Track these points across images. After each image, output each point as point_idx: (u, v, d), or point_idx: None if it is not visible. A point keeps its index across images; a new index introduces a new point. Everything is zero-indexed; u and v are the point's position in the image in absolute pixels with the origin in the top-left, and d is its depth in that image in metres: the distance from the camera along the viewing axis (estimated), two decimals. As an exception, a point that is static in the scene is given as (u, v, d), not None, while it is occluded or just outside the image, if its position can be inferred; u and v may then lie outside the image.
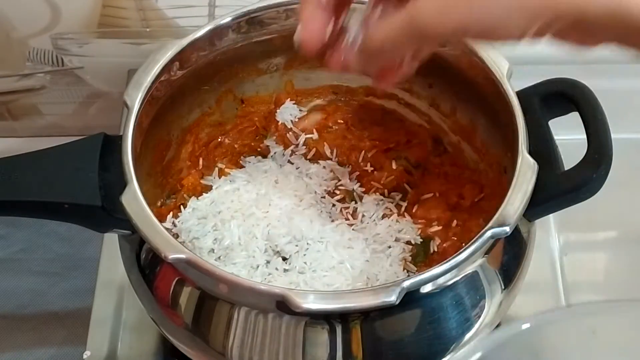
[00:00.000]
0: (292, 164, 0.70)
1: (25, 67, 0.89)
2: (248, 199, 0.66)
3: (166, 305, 0.58)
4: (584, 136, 0.58)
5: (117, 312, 0.72)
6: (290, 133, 0.72)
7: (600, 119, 0.58)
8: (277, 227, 0.64)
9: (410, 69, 0.52)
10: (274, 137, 0.72)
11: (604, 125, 0.58)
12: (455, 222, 0.66)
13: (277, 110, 0.73)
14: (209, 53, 0.66)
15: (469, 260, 0.53)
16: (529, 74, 0.63)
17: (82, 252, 0.84)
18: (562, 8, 0.41)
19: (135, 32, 0.86)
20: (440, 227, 0.66)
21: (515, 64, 0.62)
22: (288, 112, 0.73)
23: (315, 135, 0.72)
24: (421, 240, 0.65)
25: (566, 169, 0.58)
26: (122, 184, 0.56)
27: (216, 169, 0.70)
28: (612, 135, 0.57)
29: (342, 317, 0.54)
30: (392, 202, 0.68)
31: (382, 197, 0.69)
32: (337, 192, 0.69)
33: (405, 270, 0.63)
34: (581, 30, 0.42)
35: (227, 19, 0.66)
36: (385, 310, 0.52)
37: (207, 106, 0.71)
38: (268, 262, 0.63)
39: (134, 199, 0.55)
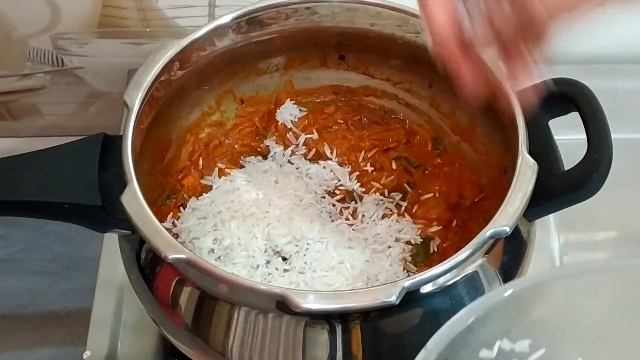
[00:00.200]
0: (292, 164, 0.70)
1: (25, 67, 0.89)
2: (248, 199, 0.66)
3: (166, 305, 0.58)
4: (584, 136, 0.58)
5: (117, 312, 0.71)
6: (290, 133, 0.72)
7: (600, 119, 0.58)
8: (277, 227, 0.64)
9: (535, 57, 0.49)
10: (274, 137, 0.72)
11: (604, 125, 0.58)
12: (455, 222, 0.66)
13: (277, 110, 0.73)
14: (209, 53, 0.66)
15: (469, 260, 0.53)
16: (529, 74, 0.63)
17: (82, 252, 0.84)
18: None
19: (135, 32, 0.86)
20: (440, 227, 0.66)
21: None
22: (288, 112, 0.73)
23: (315, 135, 0.72)
24: (421, 240, 0.65)
25: (566, 169, 0.58)
26: (122, 184, 0.56)
27: (216, 169, 0.70)
28: (612, 135, 0.57)
29: (342, 317, 0.54)
30: (392, 202, 0.68)
31: (382, 197, 0.69)
32: (337, 192, 0.69)
33: (405, 270, 0.63)
34: None
35: (227, 19, 0.66)
36: (385, 310, 0.52)
37: (207, 106, 0.72)
38: (268, 262, 0.63)
39: (134, 199, 0.55)
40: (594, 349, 0.52)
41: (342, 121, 0.74)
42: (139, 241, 0.60)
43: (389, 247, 0.64)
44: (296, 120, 0.73)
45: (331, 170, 0.70)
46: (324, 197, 0.68)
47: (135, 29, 0.86)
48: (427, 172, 0.71)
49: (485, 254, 0.57)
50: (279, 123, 0.73)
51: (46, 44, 0.86)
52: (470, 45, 0.48)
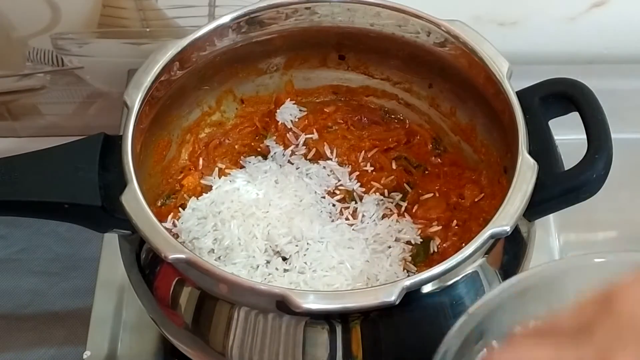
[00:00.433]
0: (292, 164, 0.70)
1: (25, 67, 0.89)
2: (248, 199, 0.66)
3: (166, 305, 0.58)
4: (584, 136, 0.58)
5: (117, 312, 0.71)
6: (290, 133, 0.72)
7: (600, 119, 0.58)
8: (277, 227, 0.64)
9: None
10: (274, 137, 0.72)
11: (604, 125, 0.58)
12: (455, 222, 0.66)
13: (277, 110, 0.73)
14: (209, 53, 0.66)
15: (469, 260, 0.53)
16: (529, 74, 0.63)
17: (82, 252, 0.84)
18: None
19: (135, 32, 0.86)
20: (440, 227, 0.66)
21: (515, 64, 0.62)
22: (288, 112, 0.73)
23: (315, 135, 0.72)
24: (421, 240, 0.65)
25: (566, 169, 0.58)
26: (122, 184, 0.56)
27: (216, 169, 0.70)
28: (612, 135, 0.57)
29: (342, 317, 0.54)
30: (392, 202, 0.68)
31: (382, 197, 0.69)
32: (337, 192, 0.69)
33: (405, 270, 0.63)
34: None
35: (227, 19, 0.66)
36: (385, 310, 0.52)
37: (207, 106, 0.72)
38: (268, 262, 0.63)
39: (134, 199, 0.55)
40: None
41: (342, 121, 0.74)
42: (139, 241, 0.60)
43: (389, 247, 0.64)
44: (296, 120, 0.73)
45: (331, 170, 0.70)
46: (324, 197, 0.68)
47: (135, 29, 0.86)
48: (427, 172, 0.71)
49: (485, 254, 0.57)
50: (279, 123, 0.73)
51: (46, 44, 0.86)
52: None
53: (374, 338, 0.55)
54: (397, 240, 0.65)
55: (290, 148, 0.71)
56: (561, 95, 0.60)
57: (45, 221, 0.62)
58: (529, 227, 0.61)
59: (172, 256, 0.52)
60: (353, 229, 0.65)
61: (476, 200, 0.67)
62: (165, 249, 0.53)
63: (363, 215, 0.67)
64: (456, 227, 0.66)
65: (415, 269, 0.63)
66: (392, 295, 0.50)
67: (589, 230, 0.78)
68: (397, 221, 0.66)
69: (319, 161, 0.71)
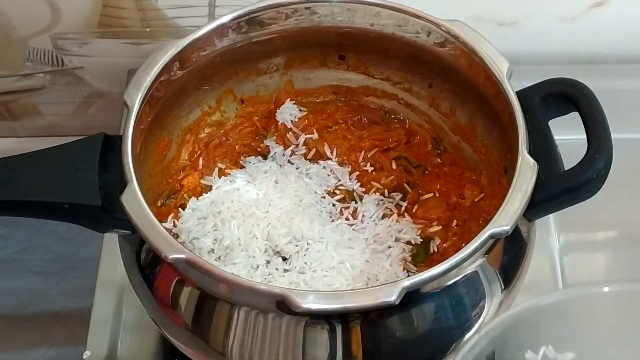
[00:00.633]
0: (292, 164, 0.70)
1: (25, 67, 0.89)
2: (248, 199, 0.66)
3: (166, 305, 0.58)
4: (584, 136, 0.58)
5: (117, 312, 0.71)
6: (290, 133, 0.72)
7: (600, 119, 0.58)
8: (277, 227, 0.64)
9: None
10: (274, 137, 0.72)
11: (604, 125, 0.58)
12: (455, 222, 0.66)
13: (277, 110, 0.73)
14: (209, 53, 0.66)
15: (469, 260, 0.53)
16: (529, 74, 0.64)
17: (82, 252, 0.84)
18: None
19: (135, 32, 0.86)
20: (440, 227, 0.66)
21: (515, 64, 0.62)
22: (288, 112, 0.73)
23: (315, 135, 0.72)
24: (421, 240, 0.65)
25: (566, 169, 0.58)
26: (122, 184, 0.56)
27: (216, 169, 0.70)
28: (612, 135, 0.57)
29: (342, 317, 0.54)
30: (392, 202, 0.68)
31: (382, 197, 0.69)
32: (337, 192, 0.69)
33: (405, 270, 0.63)
34: None
35: (227, 19, 0.66)
36: (385, 310, 0.52)
37: (207, 106, 0.72)
38: (268, 262, 0.63)
39: (134, 199, 0.55)
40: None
41: (342, 121, 0.74)
42: (139, 241, 0.60)
43: (389, 247, 0.64)
44: (296, 120, 0.73)
45: (331, 170, 0.70)
46: (324, 197, 0.68)
47: (135, 29, 0.86)
48: (427, 172, 0.71)
49: (485, 254, 0.57)
50: (279, 123, 0.73)
51: (46, 44, 0.86)
52: None
53: (374, 338, 0.55)
54: (397, 240, 0.65)
55: (290, 148, 0.71)
56: (561, 95, 0.60)
57: (45, 221, 0.62)
58: (529, 227, 0.61)
59: (172, 256, 0.52)
60: (353, 229, 0.65)
61: (476, 200, 0.67)
62: (165, 249, 0.53)
63: (363, 215, 0.67)
64: (456, 227, 0.66)
65: (415, 269, 0.63)
66: (392, 295, 0.50)
67: (589, 230, 0.78)
68: (397, 221, 0.66)
69: (319, 161, 0.71)
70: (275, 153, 0.71)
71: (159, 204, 0.68)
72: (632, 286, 0.51)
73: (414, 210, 0.68)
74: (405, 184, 0.70)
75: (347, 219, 0.67)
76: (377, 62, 0.72)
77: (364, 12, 0.67)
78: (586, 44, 0.89)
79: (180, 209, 0.67)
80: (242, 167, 0.71)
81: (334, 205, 0.68)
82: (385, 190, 0.69)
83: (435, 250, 0.65)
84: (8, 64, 0.89)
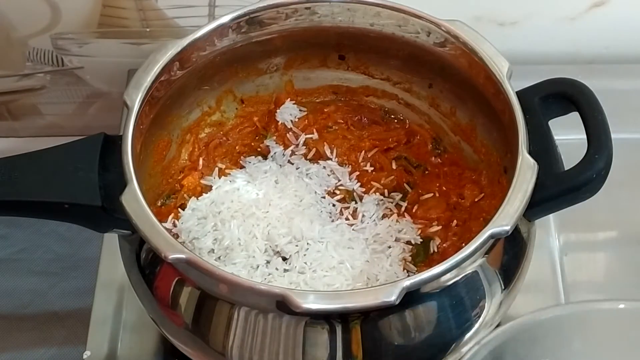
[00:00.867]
0: (292, 164, 0.70)
1: (25, 67, 0.89)
2: (248, 199, 0.66)
3: (166, 305, 0.58)
4: (584, 136, 0.58)
5: (117, 312, 0.71)
6: (290, 133, 0.72)
7: (600, 119, 0.58)
8: (277, 227, 0.64)
9: None
10: (274, 137, 0.72)
11: (604, 125, 0.58)
12: (455, 222, 0.66)
13: (277, 110, 0.73)
14: (209, 53, 0.66)
15: (469, 260, 0.53)
16: (529, 74, 0.64)
17: (82, 252, 0.84)
18: None
19: (135, 32, 0.86)
20: (440, 227, 0.66)
21: (515, 64, 0.62)
22: (288, 112, 0.73)
23: (315, 135, 0.72)
24: (421, 240, 0.65)
25: (566, 169, 0.58)
26: (122, 184, 0.56)
27: (216, 169, 0.70)
28: (612, 135, 0.57)
29: (342, 317, 0.54)
30: (392, 202, 0.68)
31: (382, 197, 0.69)
32: (337, 192, 0.69)
33: (405, 270, 0.63)
34: None
35: (227, 19, 0.66)
36: (385, 310, 0.52)
37: (207, 106, 0.72)
38: (268, 262, 0.63)
39: (134, 199, 0.55)
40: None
41: (342, 121, 0.74)
42: (139, 241, 0.60)
43: (389, 247, 0.64)
44: (296, 120, 0.73)
45: (331, 170, 0.70)
46: (324, 197, 0.68)
47: (135, 29, 0.86)
48: (427, 172, 0.71)
49: (485, 254, 0.57)
50: (279, 123, 0.73)
51: (46, 44, 0.86)
52: None
53: (374, 338, 0.55)
54: (397, 240, 0.65)
55: (290, 148, 0.71)
56: (561, 95, 0.60)
57: (45, 221, 0.62)
58: (529, 227, 0.61)
59: (172, 256, 0.52)
60: (353, 229, 0.65)
61: (476, 200, 0.67)
62: (165, 249, 0.53)
63: (363, 215, 0.67)
64: (456, 227, 0.66)
65: (415, 269, 0.63)
66: (392, 295, 0.50)
67: (589, 230, 0.78)
68: (397, 221, 0.66)
69: (319, 161, 0.71)
70: (275, 153, 0.71)
71: (159, 204, 0.68)
72: (632, 304, 0.51)
73: (414, 210, 0.68)
74: (405, 184, 0.70)
75: (347, 219, 0.67)
76: (377, 62, 0.72)
77: (364, 12, 0.67)
78: (586, 44, 0.89)
79: (180, 209, 0.67)
80: (242, 167, 0.71)
81: (334, 205, 0.68)
82: (385, 190, 0.69)
83: (435, 250, 0.65)
84: (8, 64, 0.89)
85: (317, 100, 0.75)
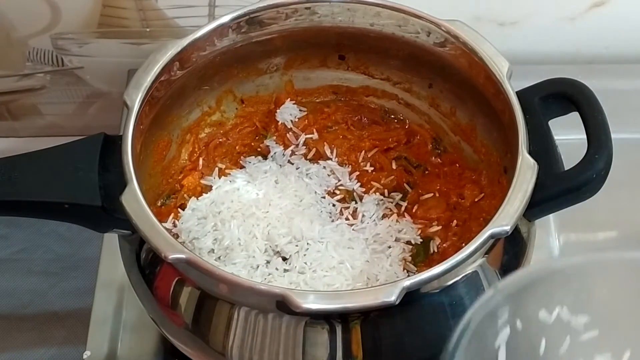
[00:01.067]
0: (292, 164, 0.70)
1: (25, 67, 0.89)
2: (248, 199, 0.66)
3: (166, 305, 0.58)
4: (584, 136, 0.58)
5: (117, 312, 0.71)
6: (290, 133, 0.72)
7: (600, 119, 0.58)
8: (277, 227, 0.64)
9: None
10: (274, 137, 0.72)
11: (604, 125, 0.58)
12: (455, 222, 0.66)
13: (277, 110, 0.73)
14: (209, 53, 0.66)
15: (469, 260, 0.53)
16: (529, 74, 0.63)
17: (82, 252, 0.84)
18: None
19: (135, 32, 0.86)
20: (440, 227, 0.66)
21: (515, 64, 0.62)
22: (288, 112, 0.73)
23: (315, 135, 0.72)
24: (421, 240, 0.65)
25: (566, 169, 0.58)
26: (122, 184, 0.56)
27: (216, 169, 0.70)
28: (612, 135, 0.57)
29: (342, 317, 0.54)
30: (392, 202, 0.68)
31: (382, 197, 0.69)
32: (337, 192, 0.69)
33: (405, 270, 0.63)
34: None
35: (227, 19, 0.66)
36: (385, 310, 0.52)
37: (207, 106, 0.72)
38: (268, 262, 0.63)
39: (134, 199, 0.55)
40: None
41: (342, 121, 0.74)
42: (139, 241, 0.60)
43: (389, 247, 0.64)
44: (296, 120, 0.73)
45: (331, 170, 0.70)
46: (324, 197, 0.68)
47: (135, 29, 0.86)
48: (427, 172, 0.71)
49: (485, 254, 0.57)
50: (279, 123, 0.73)
51: (46, 44, 0.86)
52: None
53: (374, 338, 0.55)
54: (397, 240, 0.65)
55: (290, 148, 0.71)
56: (561, 95, 0.60)
57: (45, 221, 0.62)
58: (529, 227, 0.61)
59: (172, 256, 0.52)
60: (353, 229, 0.65)
61: (476, 200, 0.67)
62: (165, 249, 0.53)
63: (363, 215, 0.67)
64: (456, 227, 0.66)
65: (415, 269, 0.63)
66: (392, 295, 0.50)
67: (589, 230, 0.78)
68: (397, 221, 0.66)
69: (319, 161, 0.71)
70: (275, 153, 0.71)
71: (159, 204, 0.68)
72: None
73: (414, 210, 0.68)
74: (405, 184, 0.70)
75: (347, 219, 0.67)
76: (377, 62, 0.72)
77: (364, 12, 0.67)
78: (586, 44, 0.89)
79: (180, 209, 0.67)
80: (242, 167, 0.71)
81: (334, 205, 0.68)
82: (385, 190, 0.69)
83: (435, 250, 0.65)
84: (8, 64, 0.89)
85: (317, 100, 0.75)
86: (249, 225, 0.64)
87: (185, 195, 0.68)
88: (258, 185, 0.67)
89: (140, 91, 0.61)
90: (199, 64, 0.66)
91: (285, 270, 0.62)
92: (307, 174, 0.69)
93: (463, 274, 0.56)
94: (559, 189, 0.57)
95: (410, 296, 0.51)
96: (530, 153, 0.57)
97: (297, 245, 0.63)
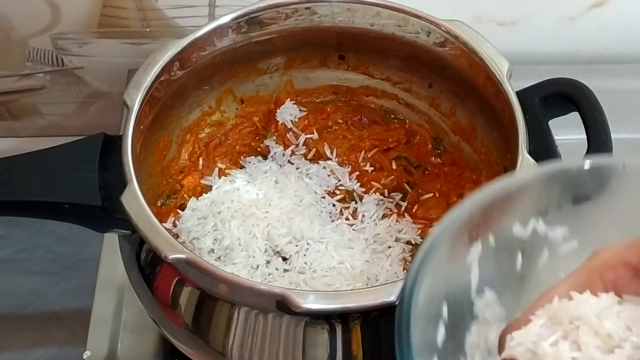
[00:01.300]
0: (292, 164, 0.70)
1: (25, 67, 0.89)
2: (248, 199, 0.66)
3: (166, 305, 0.58)
4: (584, 136, 0.58)
5: (117, 312, 0.71)
6: (290, 133, 0.72)
7: (600, 119, 0.58)
8: (277, 227, 0.64)
9: None
10: (274, 137, 0.72)
11: (604, 125, 0.58)
12: (455, 222, 0.66)
13: (277, 110, 0.73)
14: (209, 53, 0.66)
15: (469, 260, 0.53)
16: (529, 74, 0.64)
17: (82, 252, 0.84)
18: None
19: (135, 32, 0.86)
20: (440, 227, 0.66)
21: (515, 64, 0.62)
22: (288, 112, 0.73)
23: (315, 135, 0.72)
24: (421, 240, 0.65)
25: (566, 169, 0.58)
26: (122, 184, 0.56)
27: (216, 169, 0.70)
28: (612, 135, 0.57)
29: (342, 317, 0.54)
30: (392, 202, 0.68)
31: (382, 197, 0.69)
32: (337, 192, 0.69)
33: (405, 270, 0.63)
34: None
35: (227, 19, 0.66)
36: (385, 310, 0.52)
37: (207, 106, 0.72)
38: (268, 262, 0.63)
39: (134, 199, 0.55)
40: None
41: (342, 121, 0.74)
42: (139, 241, 0.60)
43: (389, 247, 0.64)
44: (296, 120, 0.73)
45: (331, 170, 0.70)
46: (324, 197, 0.68)
47: (135, 29, 0.86)
48: (427, 172, 0.71)
49: (485, 254, 0.56)
50: (279, 123, 0.73)
51: (46, 44, 0.86)
52: None
53: (374, 338, 0.55)
54: (397, 240, 0.65)
55: (290, 148, 0.71)
56: (561, 95, 0.60)
57: (45, 221, 0.62)
58: (529, 227, 0.61)
59: (172, 256, 0.52)
60: (353, 229, 0.65)
61: (476, 200, 0.67)
62: (165, 249, 0.53)
63: (363, 215, 0.67)
64: (456, 227, 0.66)
65: (415, 269, 0.63)
66: (392, 295, 0.50)
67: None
68: (397, 221, 0.66)
69: (319, 161, 0.71)
70: (275, 153, 0.71)
71: (159, 204, 0.68)
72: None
73: (414, 210, 0.67)
74: (405, 184, 0.70)
75: (347, 219, 0.67)
76: (377, 62, 0.72)
77: (364, 12, 0.67)
78: (586, 44, 0.89)
79: (179, 209, 0.67)
80: (242, 167, 0.71)
81: (334, 205, 0.67)
82: (385, 190, 0.69)
83: (435, 250, 0.65)
84: (8, 64, 0.89)
85: (317, 100, 0.75)
86: (249, 225, 0.64)
87: (185, 195, 0.68)
88: (258, 185, 0.67)
89: (140, 91, 0.61)
90: (199, 64, 0.66)
91: (285, 270, 0.62)
92: (307, 174, 0.69)
93: (463, 274, 0.55)
94: (559, 189, 0.57)
95: (410, 296, 0.51)
96: (530, 153, 0.57)
97: (297, 245, 0.63)
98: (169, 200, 0.68)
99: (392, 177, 0.70)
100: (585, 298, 0.36)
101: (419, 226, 0.66)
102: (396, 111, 0.74)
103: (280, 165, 0.70)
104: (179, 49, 0.63)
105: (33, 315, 0.82)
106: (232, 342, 0.56)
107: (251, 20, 0.66)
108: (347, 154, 0.71)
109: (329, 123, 0.74)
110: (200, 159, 0.71)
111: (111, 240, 0.67)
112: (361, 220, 0.66)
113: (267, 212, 0.65)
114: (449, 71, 0.67)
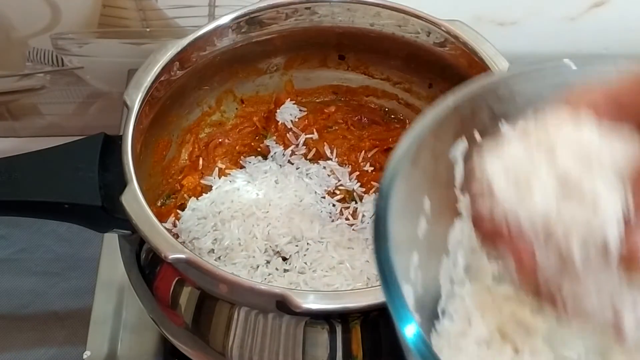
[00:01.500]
0: (292, 164, 0.70)
1: (25, 67, 0.89)
2: (248, 199, 0.66)
3: (166, 305, 0.58)
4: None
5: (117, 312, 0.71)
6: (290, 133, 0.72)
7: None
8: (277, 227, 0.64)
9: None
10: (274, 137, 0.72)
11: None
12: (455, 222, 0.66)
13: (277, 110, 0.73)
14: (209, 53, 0.66)
15: (469, 260, 0.53)
16: (529, 74, 0.63)
17: (82, 252, 0.84)
18: None
19: (135, 32, 0.86)
20: (440, 227, 0.66)
21: (515, 64, 0.62)
22: (288, 112, 0.73)
23: (315, 135, 0.72)
24: (421, 240, 0.65)
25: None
26: (122, 184, 0.56)
27: (216, 169, 0.70)
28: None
29: (342, 317, 0.54)
30: (392, 202, 0.68)
31: (382, 197, 0.68)
32: (337, 192, 0.69)
33: (405, 270, 0.63)
34: None
35: (227, 19, 0.66)
36: (385, 310, 0.52)
37: (207, 106, 0.72)
38: (268, 262, 0.63)
39: (134, 199, 0.55)
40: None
41: (342, 121, 0.74)
42: (139, 241, 0.60)
43: (389, 247, 0.64)
44: (296, 120, 0.73)
45: (331, 170, 0.70)
46: (324, 197, 0.68)
47: (135, 29, 0.86)
48: (427, 172, 0.71)
49: (485, 254, 0.56)
50: (279, 123, 0.73)
51: (46, 44, 0.86)
52: None
53: (374, 338, 0.55)
54: (397, 240, 0.65)
55: (290, 148, 0.71)
56: (561, 95, 0.60)
57: (45, 221, 0.62)
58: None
59: (172, 256, 0.52)
60: (353, 229, 0.65)
61: (476, 200, 0.67)
62: (165, 249, 0.53)
63: (363, 215, 0.67)
64: (456, 227, 0.66)
65: (415, 269, 0.63)
66: (392, 295, 0.50)
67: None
68: (397, 221, 0.66)
69: (319, 161, 0.71)
70: (275, 153, 0.71)
71: (159, 204, 0.68)
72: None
73: (414, 210, 0.67)
74: (405, 184, 0.70)
75: (347, 219, 0.67)
76: (377, 62, 0.72)
77: (364, 12, 0.67)
78: (586, 44, 0.89)
79: (179, 209, 0.67)
80: (242, 167, 0.71)
81: (334, 205, 0.68)
82: (385, 190, 0.69)
83: (435, 250, 0.65)
84: (8, 64, 0.89)
85: (317, 100, 0.75)
86: (249, 225, 0.64)
87: (185, 195, 0.68)
88: (258, 185, 0.67)
89: (140, 91, 0.61)
90: (199, 64, 0.66)
91: (285, 270, 0.62)
92: (307, 174, 0.69)
93: (463, 274, 0.55)
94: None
95: (410, 296, 0.51)
96: (530, 153, 0.57)
97: (297, 246, 0.63)
98: (169, 200, 0.68)
99: (392, 177, 0.70)
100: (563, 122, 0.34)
101: (419, 226, 0.66)
102: (396, 111, 0.74)
103: (280, 165, 0.70)
104: (179, 49, 0.63)
105: (33, 315, 0.82)
106: (232, 342, 0.56)
107: (251, 20, 0.66)
108: (347, 154, 0.71)
109: (329, 123, 0.74)
110: (200, 159, 0.71)
111: (111, 240, 0.67)
112: (361, 220, 0.66)
113: (267, 212, 0.65)
114: (449, 71, 0.67)
